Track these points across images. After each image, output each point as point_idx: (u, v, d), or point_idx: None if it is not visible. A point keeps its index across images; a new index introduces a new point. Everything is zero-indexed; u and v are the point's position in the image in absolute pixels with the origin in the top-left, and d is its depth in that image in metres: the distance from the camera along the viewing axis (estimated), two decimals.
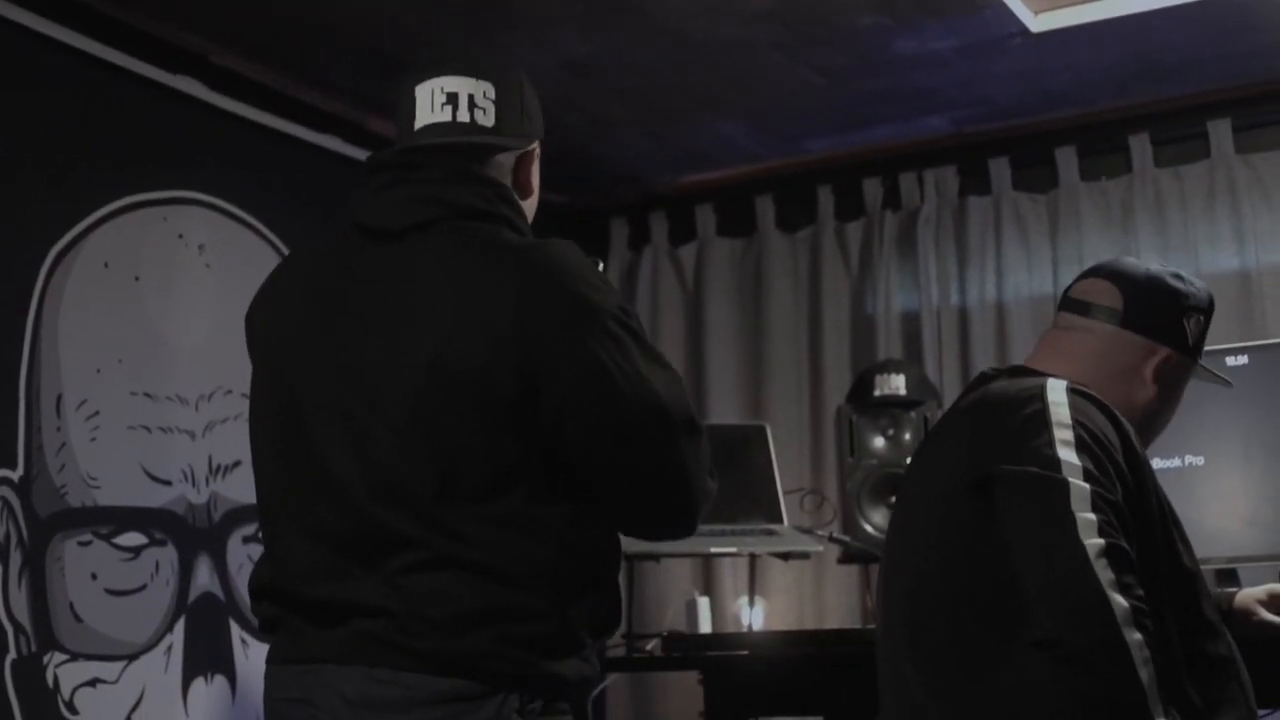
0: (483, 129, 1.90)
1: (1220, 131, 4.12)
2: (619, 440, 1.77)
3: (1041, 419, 1.87)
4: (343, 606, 1.74)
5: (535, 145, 1.98)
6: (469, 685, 1.71)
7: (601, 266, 1.95)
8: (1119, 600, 1.73)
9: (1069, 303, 2.14)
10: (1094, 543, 1.76)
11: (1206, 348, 2.14)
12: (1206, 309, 2.12)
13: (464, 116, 1.90)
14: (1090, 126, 4.30)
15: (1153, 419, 2.10)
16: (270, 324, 1.92)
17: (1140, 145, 4.21)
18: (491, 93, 1.91)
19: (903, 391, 3.78)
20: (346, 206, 1.94)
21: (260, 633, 1.88)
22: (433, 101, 1.91)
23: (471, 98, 1.90)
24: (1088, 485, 1.80)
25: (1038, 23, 3.67)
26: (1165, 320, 2.07)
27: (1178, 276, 2.12)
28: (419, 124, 1.92)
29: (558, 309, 1.74)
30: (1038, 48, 3.78)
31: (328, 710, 1.74)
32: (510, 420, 1.73)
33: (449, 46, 3.63)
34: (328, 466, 1.77)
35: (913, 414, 3.77)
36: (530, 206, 1.97)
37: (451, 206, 1.83)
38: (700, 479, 1.83)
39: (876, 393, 3.80)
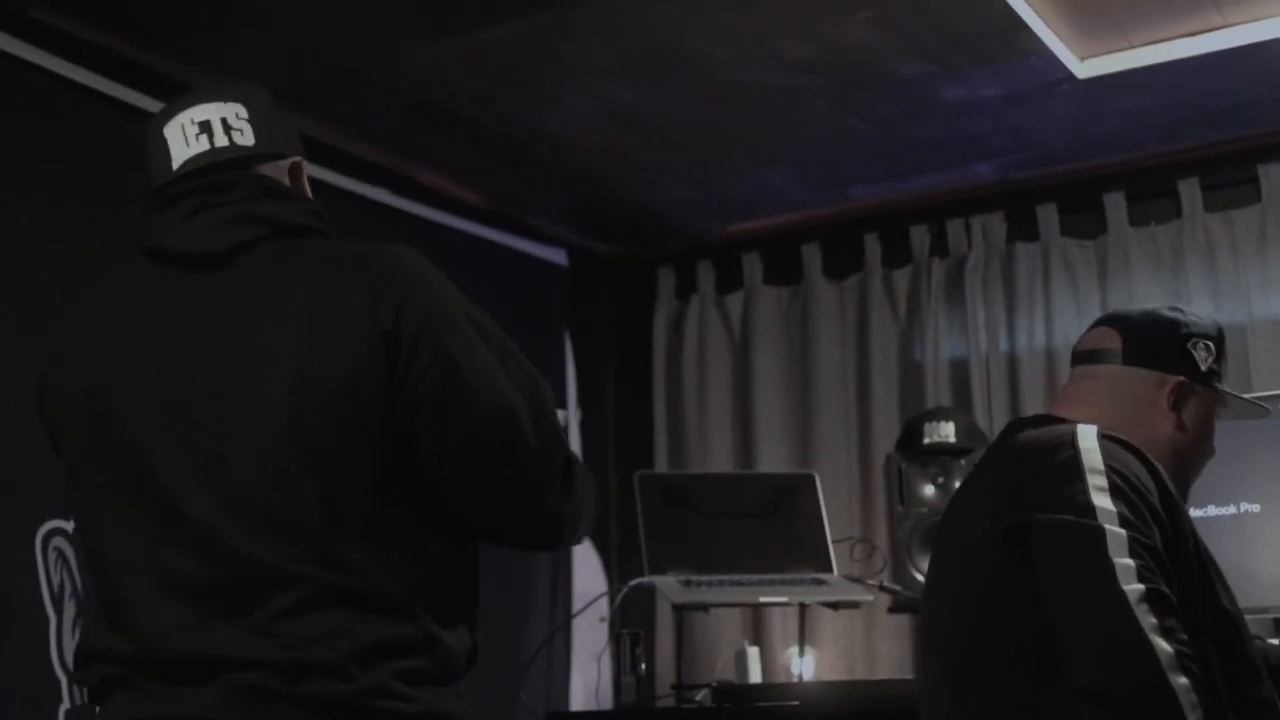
0: (244, 148, 1.83)
1: (1271, 175, 4.09)
2: (467, 440, 1.68)
3: (1074, 466, 1.87)
4: (210, 661, 1.59)
5: (299, 158, 1.91)
6: None
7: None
8: (1163, 645, 1.72)
9: (1079, 356, 2.18)
10: (1134, 588, 1.74)
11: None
12: (1214, 336, 2.13)
13: (222, 140, 1.81)
14: (1139, 171, 4.28)
15: (1184, 455, 2.09)
16: (80, 380, 1.75)
17: (1190, 190, 4.19)
18: (243, 112, 1.85)
19: (952, 439, 3.76)
20: (138, 238, 1.82)
21: (89, 699, 1.71)
22: (185, 135, 1.81)
23: (225, 121, 1.83)
24: (1124, 531, 1.79)
25: (1084, 69, 3.66)
26: (1168, 350, 2.09)
27: (1175, 309, 2.16)
28: (177, 161, 1.80)
29: (414, 311, 1.67)
30: (1084, 94, 3.77)
31: None
32: (381, 430, 1.64)
33: (493, 99, 3.66)
34: (187, 513, 1.63)
35: (962, 461, 3.75)
36: None
37: (272, 223, 1.76)
38: (549, 486, 1.73)
39: (926, 440, 3.78)
